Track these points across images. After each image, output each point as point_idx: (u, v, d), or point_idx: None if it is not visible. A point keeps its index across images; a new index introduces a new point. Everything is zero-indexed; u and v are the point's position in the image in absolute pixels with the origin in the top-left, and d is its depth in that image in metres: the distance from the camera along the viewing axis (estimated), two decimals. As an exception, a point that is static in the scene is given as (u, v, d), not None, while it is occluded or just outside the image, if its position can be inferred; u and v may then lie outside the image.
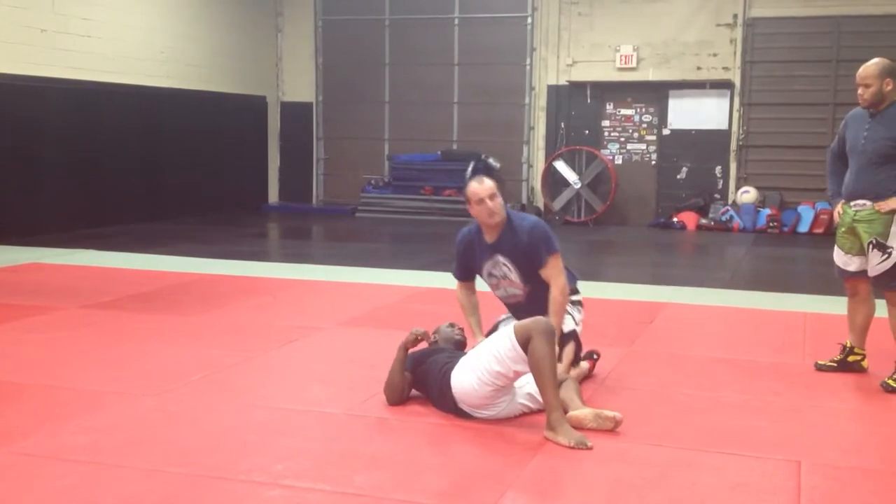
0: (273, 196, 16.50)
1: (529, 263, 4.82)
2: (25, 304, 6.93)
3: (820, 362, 5.38)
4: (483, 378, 4.17)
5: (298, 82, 16.20)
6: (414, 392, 4.58)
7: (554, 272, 4.76)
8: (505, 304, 5.05)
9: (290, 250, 11.88)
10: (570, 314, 4.92)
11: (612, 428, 4.10)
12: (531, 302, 4.78)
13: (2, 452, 3.80)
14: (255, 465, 3.72)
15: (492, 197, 4.84)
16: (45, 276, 8.38)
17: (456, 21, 15.35)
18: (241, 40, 15.12)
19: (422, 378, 4.49)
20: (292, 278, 8.53)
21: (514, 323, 4.25)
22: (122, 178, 12.67)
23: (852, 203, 5.10)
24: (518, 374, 4.16)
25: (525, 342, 4.03)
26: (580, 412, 4.15)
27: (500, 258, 4.87)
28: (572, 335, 4.89)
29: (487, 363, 4.17)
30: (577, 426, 4.06)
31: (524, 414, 4.34)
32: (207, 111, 14.27)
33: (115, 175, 12.53)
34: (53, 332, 6.12)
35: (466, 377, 4.24)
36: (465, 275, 5.06)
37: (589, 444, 3.88)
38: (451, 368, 4.33)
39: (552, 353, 4.04)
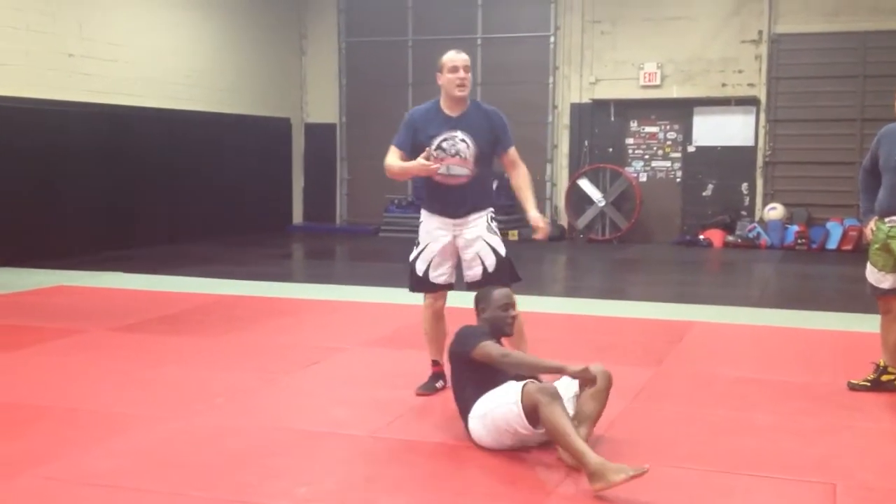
0: (297, 216, 16.55)
1: (491, 144, 4.90)
2: (51, 327, 6.96)
3: (853, 382, 5.27)
4: (499, 439, 4.07)
5: (322, 104, 16.27)
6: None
7: (517, 158, 5.04)
8: (439, 186, 4.91)
9: (314, 270, 11.88)
10: (496, 235, 5.00)
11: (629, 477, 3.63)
12: (473, 185, 4.88)
13: (27, 476, 3.79)
14: (279, 488, 3.68)
15: (466, 69, 4.85)
16: (70, 299, 8.42)
17: (478, 41, 15.37)
18: (265, 63, 15.21)
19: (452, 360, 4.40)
20: (316, 299, 8.51)
21: (518, 390, 3.94)
22: (148, 200, 12.75)
23: (886, 219, 5.02)
24: (527, 435, 3.99)
25: (532, 410, 3.86)
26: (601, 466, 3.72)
27: (460, 133, 4.84)
28: (509, 261, 4.97)
29: (499, 430, 4.02)
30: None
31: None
32: (233, 133, 14.36)
33: (140, 197, 12.60)
34: (78, 354, 6.13)
35: (483, 433, 4.12)
36: (405, 144, 4.92)
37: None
38: (469, 409, 4.19)
39: (562, 415, 3.78)
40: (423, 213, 5.06)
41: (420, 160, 4.73)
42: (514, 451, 4.06)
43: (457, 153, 4.82)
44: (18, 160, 10.62)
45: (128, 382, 5.37)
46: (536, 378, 4.12)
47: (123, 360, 5.97)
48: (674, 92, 14.31)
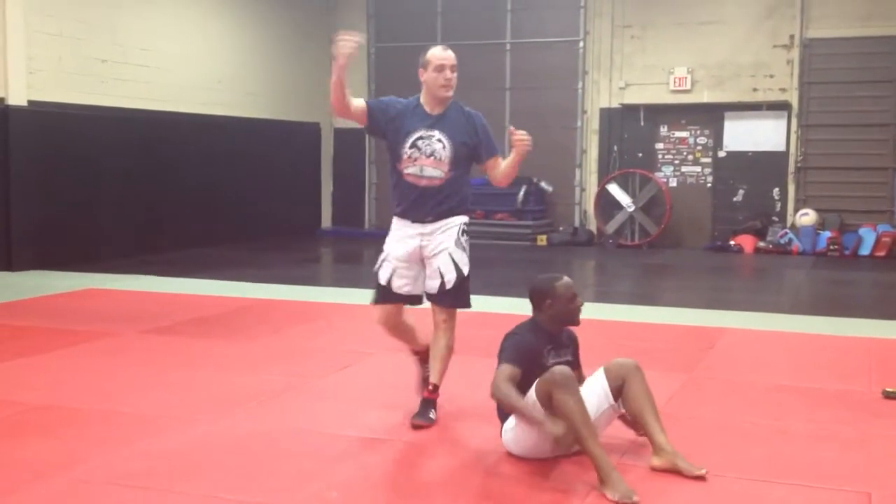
0: (326, 220, 16.61)
1: (470, 148, 4.64)
2: (84, 330, 7.02)
3: (888, 389, 5.20)
4: (528, 447, 4.03)
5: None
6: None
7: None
8: (409, 187, 4.65)
9: (343, 275, 11.91)
10: (463, 252, 4.75)
11: None
12: (445, 190, 4.61)
13: (59, 478, 3.82)
14: (310, 492, 3.68)
15: (453, 69, 4.56)
16: (103, 302, 8.50)
17: (507, 46, 15.36)
18: (295, 69, 15.29)
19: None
20: (345, 303, 8.54)
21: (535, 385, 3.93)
22: (179, 204, 12.85)
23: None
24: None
25: (547, 399, 3.82)
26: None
27: (437, 133, 4.57)
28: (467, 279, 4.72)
29: (527, 436, 3.99)
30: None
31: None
32: (263, 138, 14.44)
33: (172, 201, 12.70)
34: (110, 357, 6.18)
35: (513, 444, 4.10)
36: (375, 106, 4.67)
37: (635, 498, 3.56)
38: (505, 417, 4.15)
39: (579, 406, 3.74)
40: (393, 221, 4.79)
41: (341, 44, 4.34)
42: (547, 461, 4.03)
43: (432, 154, 4.57)
44: (51, 165, 10.74)
45: (159, 385, 5.41)
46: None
47: (155, 362, 6.02)
48: (704, 97, 14.22)
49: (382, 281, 4.68)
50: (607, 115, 14.83)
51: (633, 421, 4.07)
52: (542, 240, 14.49)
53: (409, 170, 4.59)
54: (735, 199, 14.35)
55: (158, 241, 12.45)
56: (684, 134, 14.63)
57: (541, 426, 3.80)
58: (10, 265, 10.24)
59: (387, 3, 15.95)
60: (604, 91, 14.82)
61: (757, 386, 5.51)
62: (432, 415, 4.57)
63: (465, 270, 4.67)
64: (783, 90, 13.88)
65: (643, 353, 5.07)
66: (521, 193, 14.53)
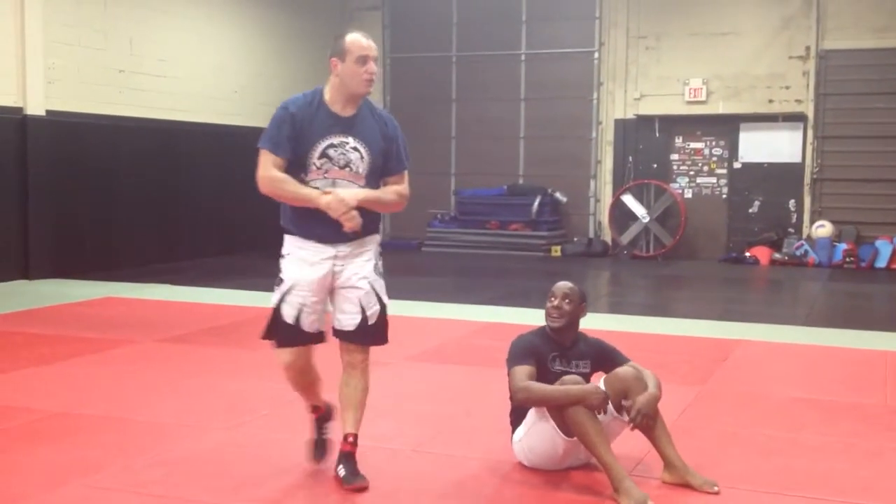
0: (341, 231, 16.65)
1: (383, 157, 3.86)
2: (101, 338, 7.07)
3: (904, 403, 5.15)
4: (540, 458, 4.03)
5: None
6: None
7: (406, 188, 3.94)
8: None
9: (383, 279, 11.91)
10: (382, 280, 3.98)
11: None
12: (362, 207, 3.77)
13: (76, 485, 3.85)
14: (323, 500, 3.69)
15: (376, 60, 3.81)
16: (120, 310, 8.56)
17: (523, 57, 15.39)
18: (311, 78, 15.32)
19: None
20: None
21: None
22: (195, 213, 12.92)
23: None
24: (567, 448, 3.94)
25: (557, 408, 3.81)
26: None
27: (352, 140, 3.79)
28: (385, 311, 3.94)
29: (538, 447, 3.99)
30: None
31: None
32: (278, 148, 14.49)
33: (188, 210, 12.78)
34: (127, 365, 6.22)
35: (523, 453, 4.09)
36: (284, 147, 3.76)
37: (650, 503, 3.62)
38: (515, 428, 4.16)
39: (589, 414, 3.75)
40: (291, 242, 3.89)
41: (334, 196, 3.66)
42: (559, 471, 4.04)
43: (346, 165, 3.78)
44: (68, 173, 10.82)
45: (175, 393, 5.44)
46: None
47: (171, 371, 6.05)
48: (720, 108, 14.21)
49: (288, 319, 3.83)
50: (622, 125, 14.83)
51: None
52: (556, 251, 14.48)
53: (319, 183, 3.75)
54: (751, 210, 14.30)
55: (175, 250, 12.52)
56: (699, 145, 14.61)
57: (585, 398, 3.74)
58: (27, 273, 10.32)
59: (403, 13, 16.02)
60: (619, 102, 14.82)
61: (771, 398, 5.49)
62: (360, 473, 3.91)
63: (386, 301, 3.94)
64: (799, 101, 13.85)
65: (657, 365, 5.05)
66: (536, 204, 14.54)
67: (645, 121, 14.64)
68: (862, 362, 6.55)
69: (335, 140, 3.77)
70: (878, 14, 13.40)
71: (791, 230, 13.99)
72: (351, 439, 3.94)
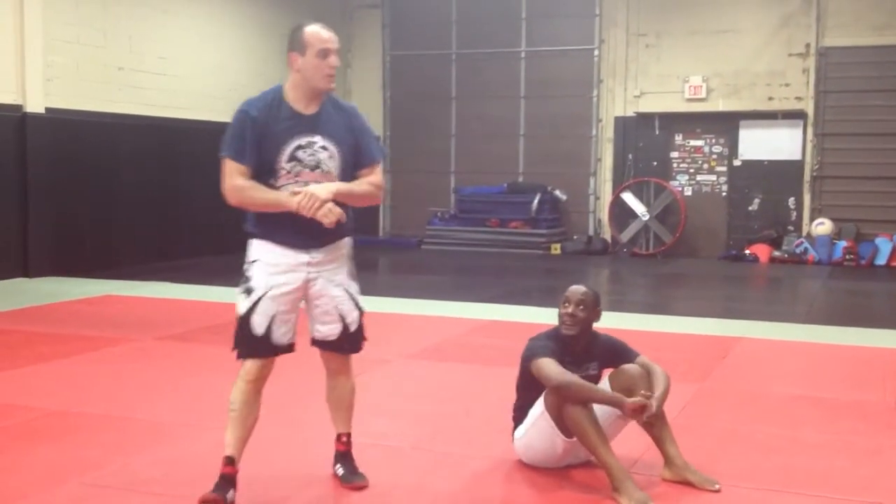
0: (341, 229, 16.65)
1: (355, 154, 3.66)
2: (100, 336, 7.07)
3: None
4: (540, 457, 4.03)
5: (366, 117, 16.33)
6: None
7: (380, 179, 3.72)
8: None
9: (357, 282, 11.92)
10: (356, 283, 3.85)
11: None
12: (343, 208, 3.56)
13: (74, 483, 3.85)
14: (322, 498, 3.69)
15: (338, 53, 3.63)
16: (119, 308, 8.55)
17: (522, 54, 15.38)
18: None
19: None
20: (360, 311, 8.54)
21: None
22: (195, 211, 12.90)
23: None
24: (567, 448, 3.92)
25: (556, 409, 3.80)
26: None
27: (320, 139, 3.57)
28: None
29: (538, 446, 3.98)
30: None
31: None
32: (277, 145, 14.50)
33: (187, 208, 12.77)
34: (126, 363, 6.22)
35: (524, 451, 4.09)
36: (248, 155, 3.54)
37: (651, 503, 3.62)
38: (517, 425, 4.16)
39: (588, 414, 3.75)
40: (259, 247, 3.66)
41: (304, 194, 3.42)
42: (560, 469, 4.04)
43: (317, 166, 3.57)
44: (68, 171, 10.81)
45: (174, 391, 5.44)
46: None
47: (170, 369, 6.05)
48: (719, 105, 14.20)
49: (258, 330, 3.59)
50: (622, 123, 14.82)
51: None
52: (556, 248, 14.48)
53: (290, 188, 3.54)
54: (750, 207, 14.30)
55: (174, 248, 12.51)
56: (699, 143, 14.61)
57: (623, 405, 3.74)
58: (27, 272, 10.31)
59: (402, 11, 16.00)
60: (619, 99, 14.82)
61: (771, 396, 5.49)
62: (360, 471, 3.87)
63: (363, 306, 3.81)
64: (799, 99, 13.84)
65: (656, 363, 5.05)
66: (536, 202, 14.53)
67: (645, 118, 14.64)
68: (862, 360, 6.55)
69: (302, 141, 3.54)
70: (877, 11, 13.40)
71: (791, 228, 13.99)
72: (345, 439, 3.92)
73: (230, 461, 3.62)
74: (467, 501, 3.75)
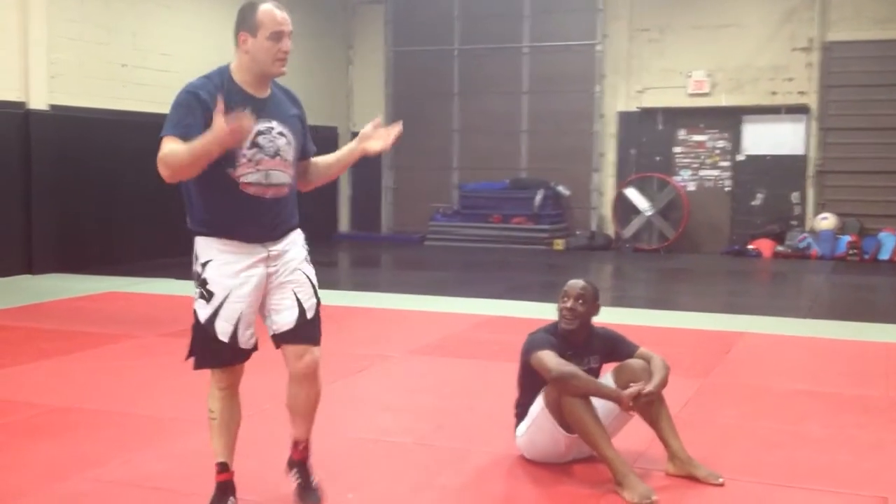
0: (343, 225, 16.66)
1: (303, 138, 3.53)
2: (104, 332, 7.08)
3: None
4: (542, 452, 4.02)
5: (368, 112, 16.17)
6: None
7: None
8: (247, 201, 3.28)
9: (360, 279, 11.94)
10: (312, 267, 3.56)
11: None
12: (290, 198, 3.46)
13: (77, 479, 3.86)
14: (327, 493, 3.69)
15: (290, 36, 3.34)
16: (122, 305, 8.56)
17: (525, 50, 15.37)
18: (313, 74, 15.34)
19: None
20: (362, 307, 8.56)
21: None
22: (198, 208, 12.92)
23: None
24: (569, 443, 3.91)
25: (555, 404, 3.80)
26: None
27: (277, 124, 3.34)
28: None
29: (540, 442, 3.98)
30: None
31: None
32: (280, 142, 14.50)
33: (190, 205, 12.78)
34: (131, 359, 6.23)
35: (527, 447, 4.08)
36: (194, 132, 3.17)
37: (654, 497, 3.59)
38: (519, 421, 4.15)
39: (588, 409, 3.75)
40: (209, 246, 3.34)
41: (222, 120, 3.01)
42: (562, 465, 4.03)
43: (277, 153, 3.32)
44: (71, 168, 10.83)
45: (178, 387, 5.44)
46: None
47: (173, 365, 6.02)
48: (723, 100, 14.18)
49: (223, 336, 3.32)
50: (625, 118, 14.80)
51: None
52: (558, 244, 14.47)
53: (251, 178, 3.26)
54: (753, 202, 14.28)
55: (177, 245, 12.46)
56: (703, 138, 14.59)
57: (621, 399, 3.76)
58: (30, 268, 10.34)
59: (405, 7, 15.99)
60: (621, 94, 14.80)
61: (774, 390, 5.48)
62: (315, 483, 3.61)
63: (319, 294, 3.50)
64: (802, 93, 13.81)
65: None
66: (539, 197, 14.52)
67: (648, 113, 14.61)
68: (865, 354, 6.54)
69: (261, 126, 3.25)
70: (880, 5, 13.36)
71: (794, 223, 13.97)
72: (302, 446, 3.61)
73: (224, 467, 3.48)
74: (471, 497, 3.76)
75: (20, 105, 10.24)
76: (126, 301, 8.78)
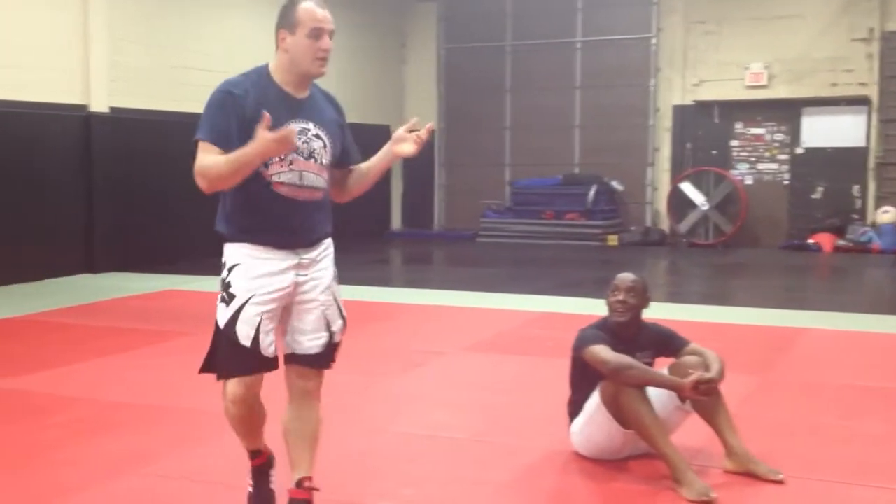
0: (396, 222, 16.71)
1: (343, 146, 3.39)
2: (160, 330, 7.19)
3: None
4: (598, 448, 3.98)
5: (421, 110, 16.37)
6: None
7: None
8: (282, 203, 3.17)
9: (413, 276, 11.97)
10: (338, 286, 3.44)
11: None
12: (325, 204, 3.31)
13: (138, 474, 3.92)
14: (384, 489, 3.71)
15: (332, 34, 3.19)
16: (180, 303, 8.69)
17: (578, 45, 15.26)
18: (366, 72, 15.42)
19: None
20: (415, 303, 8.57)
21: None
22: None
23: None
24: (625, 440, 3.88)
25: (612, 400, 3.76)
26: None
27: (314, 126, 3.20)
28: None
29: (596, 438, 3.94)
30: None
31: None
32: (333, 140, 14.59)
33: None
34: (188, 356, 6.27)
35: (582, 444, 4.04)
36: (230, 137, 3.11)
37: (713, 494, 3.54)
38: (574, 417, 4.11)
39: (646, 405, 3.70)
40: (239, 251, 3.29)
41: (267, 132, 2.93)
42: (617, 461, 4.00)
43: (311, 155, 3.19)
44: (131, 170, 11.02)
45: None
46: None
47: (230, 361, 6.12)
48: (781, 92, 13.92)
49: (244, 341, 3.15)
50: (680, 112, 14.62)
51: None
52: (612, 240, 14.35)
53: (284, 177, 3.14)
54: (813, 196, 14.01)
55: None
56: (760, 130, 14.35)
57: (682, 389, 3.70)
58: (92, 268, 10.54)
59: (457, 5, 15.99)
60: (676, 88, 14.62)
61: (833, 386, 5.37)
62: None
63: (345, 313, 3.38)
64: (862, 84, 13.50)
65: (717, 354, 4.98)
66: (592, 193, 14.41)
67: (704, 107, 14.42)
68: (930, 350, 6.37)
69: (297, 126, 3.11)
70: (945, -8, 13.01)
71: (855, 216, 13.66)
72: (307, 484, 3.28)
73: (256, 454, 3.42)
74: (526, 492, 3.74)
75: (82, 108, 10.45)
76: (182, 299, 8.91)
